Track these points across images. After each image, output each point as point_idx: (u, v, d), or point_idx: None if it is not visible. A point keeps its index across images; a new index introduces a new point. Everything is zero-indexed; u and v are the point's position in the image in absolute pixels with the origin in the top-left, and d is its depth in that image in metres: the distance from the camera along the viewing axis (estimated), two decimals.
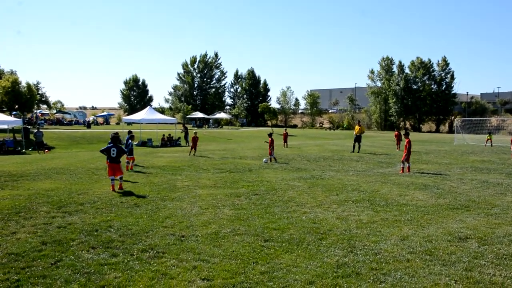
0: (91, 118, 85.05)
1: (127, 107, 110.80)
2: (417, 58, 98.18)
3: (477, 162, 23.15)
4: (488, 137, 39.21)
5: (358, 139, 29.55)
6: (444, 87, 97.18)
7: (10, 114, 49.71)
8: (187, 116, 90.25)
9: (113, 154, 13.73)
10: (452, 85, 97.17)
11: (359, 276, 6.46)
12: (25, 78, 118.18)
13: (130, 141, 19.61)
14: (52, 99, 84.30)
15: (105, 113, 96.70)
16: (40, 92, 69.50)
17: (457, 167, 20.65)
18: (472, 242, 8.19)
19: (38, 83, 71.85)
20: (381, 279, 6.34)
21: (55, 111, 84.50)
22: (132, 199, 12.10)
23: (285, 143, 36.08)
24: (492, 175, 17.61)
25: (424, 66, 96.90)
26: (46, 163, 21.49)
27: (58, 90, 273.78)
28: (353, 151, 29.00)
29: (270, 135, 23.26)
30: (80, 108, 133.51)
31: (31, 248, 7.58)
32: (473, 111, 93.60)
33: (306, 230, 8.93)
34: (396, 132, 34.42)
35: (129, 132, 20.64)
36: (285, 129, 41.23)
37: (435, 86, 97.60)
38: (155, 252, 7.47)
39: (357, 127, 30.40)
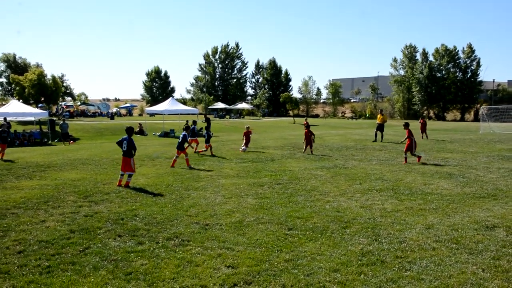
0: (114, 110, 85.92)
1: (150, 98, 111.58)
2: (442, 45, 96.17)
3: (504, 150, 22.68)
4: None
5: (380, 128, 29.29)
6: (469, 74, 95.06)
7: (37, 106, 50.64)
8: (209, 107, 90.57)
9: (124, 147, 13.00)
10: (478, 73, 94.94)
11: (384, 264, 6.43)
12: (50, 70, 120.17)
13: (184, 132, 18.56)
14: (76, 91, 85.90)
15: (128, 105, 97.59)
16: (65, 84, 70.71)
17: (483, 155, 20.27)
18: (500, 231, 8.07)
19: (63, 75, 73.28)
20: (407, 267, 6.31)
21: (79, 103, 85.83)
22: (156, 188, 12.25)
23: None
24: None
25: (449, 54, 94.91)
26: (71, 154, 21.89)
27: (82, 82, 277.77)
28: (375, 140, 28.73)
29: (307, 126, 22.36)
30: (104, 100, 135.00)
31: (60, 236, 7.77)
32: (499, 99, 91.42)
33: (329, 219, 8.92)
34: (421, 120, 33.81)
35: (187, 122, 22.36)
36: (306, 119, 40.96)
37: (460, 73, 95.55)
38: (180, 240, 7.57)
39: (379, 116, 30.10)
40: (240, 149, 22.78)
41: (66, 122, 39.70)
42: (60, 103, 72.51)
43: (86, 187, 12.44)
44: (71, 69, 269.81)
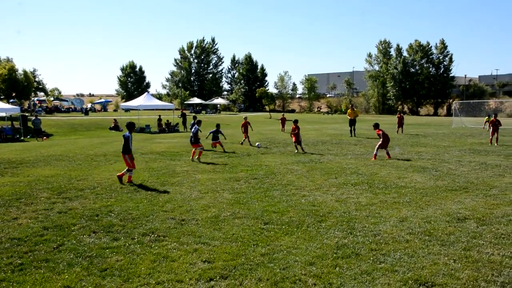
0: (89, 105, 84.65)
1: (125, 93, 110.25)
2: (415, 41, 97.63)
3: (475, 144, 23.21)
4: (487, 120, 39.21)
5: (352, 123, 29.42)
6: (442, 70, 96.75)
7: (8, 102, 49.53)
8: (185, 102, 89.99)
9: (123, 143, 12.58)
10: (450, 68, 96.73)
11: (358, 256, 6.52)
12: (21, 65, 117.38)
13: (196, 126, 18.51)
14: (49, 86, 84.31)
15: (102, 100, 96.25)
16: (37, 79, 69.30)
17: (455, 149, 20.71)
18: (471, 222, 8.27)
19: (35, 70, 71.79)
20: (381, 259, 6.41)
21: (52, 99, 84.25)
22: (131, 184, 12.13)
23: (283, 128, 35.92)
24: (490, 157, 17.67)
25: (422, 49, 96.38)
26: (45, 150, 21.49)
27: (55, 77, 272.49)
28: (351, 136, 28.87)
29: (295, 122, 20.43)
30: (78, 95, 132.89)
31: (33, 233, 7.63)
32: (471, 94, 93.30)
33: (305, 213, 8.99)
34: (399, 115, 34.31)
35: (194, 117, 21.37)
36: (283, 114, 40.84)
37: (433, 69, 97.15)
38: (156, 235, 7.53)
39: (349, 111, 30.23)
40: (241, 143, 22.95)
41: (39, 117, 38.89)
42: (33, 98, 71.08)
43: (60, 183, 12.24)
44: (43, 64, 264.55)
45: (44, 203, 9.88)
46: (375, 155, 17.39)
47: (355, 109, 31.14)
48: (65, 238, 7.39)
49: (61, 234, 7.57)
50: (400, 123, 32.77)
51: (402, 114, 34.67)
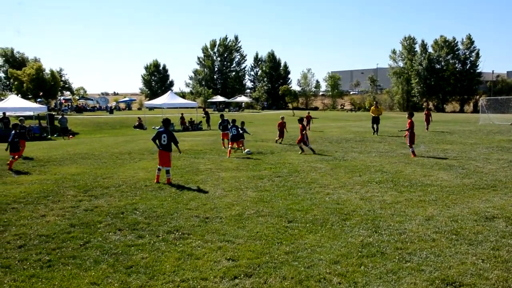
0: (113, 104, 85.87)
1: (149, 92, 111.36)
2: (441, 36, 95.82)
3: (503, 141, 22.67)
4: None
5: (376, 120, 28.53)
6: (468, 66, 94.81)
7: (35, 101, 50.58)
8: (208, 100, 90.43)
9: (164, 141, 12.20)
10: (477, 64, 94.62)
11: (384, 255, 6.45)
12: (48, 65, 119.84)
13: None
14: (75, 85, 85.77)
15: (127, 99, 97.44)
16: (63, 79, 70.56)
17: (482, 147, 20.28)
18: (499, 221, 8.09)
19: (61, 70, 73.14)
20: (407, 258, 6.33)
21: (78, 98, 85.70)
22: (156, 182, 12.24)
23: (308, 126, 35.01)
24: None
25: (448, 45, 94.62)
26: (71, 149, 21.88)
27: (81, 76, 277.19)
28: (374, 133, 28.05)
29: (300, 120, 19.59)
30: (102, 94, 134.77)
31: (61, 230, 7.78)
32: (499, 90, 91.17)
33: (329, 211, 8.94)
34: (426, 111, 33.54)
35: (222, 116, 21.37)
36: (308, 112, 39.68)
37: (459, 65, 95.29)
38: (180, 233, 7.59)
39: (373, 108, 29.43)
40: (277, 142, 22.74)
41: (65, 116, 39.63)
42: (59, 98, 72.43)
43: (86, 181, 12.44)
44: (69, 63, 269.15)
45: (71, 200, 10.06)
46: (413, 152, 17.18)
47: (379, 106, 30.23)
48: (91, 235, 7.51)
49: (87, 232, 7.70)
50: (428, 120, 32.05)
51: (429, 111, 33.80)
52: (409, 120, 17.65)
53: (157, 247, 6.91)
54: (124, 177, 13.12)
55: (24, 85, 51.10)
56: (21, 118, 23.23)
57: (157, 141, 12.35)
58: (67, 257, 6.48)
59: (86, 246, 6.99)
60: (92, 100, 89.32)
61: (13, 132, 15.61)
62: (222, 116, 21.95)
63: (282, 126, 23.07)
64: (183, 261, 6.32)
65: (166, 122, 12.66)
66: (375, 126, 28.55)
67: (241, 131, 19.34)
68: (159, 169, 12.35)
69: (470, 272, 5.83)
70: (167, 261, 6.32)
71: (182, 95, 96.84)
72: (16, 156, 15.53)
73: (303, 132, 18.65)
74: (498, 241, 7.01)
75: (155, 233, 7.61)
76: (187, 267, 6.11)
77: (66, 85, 76.03)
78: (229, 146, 18.37)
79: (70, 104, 72.83)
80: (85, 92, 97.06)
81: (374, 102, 33.03)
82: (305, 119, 34.76)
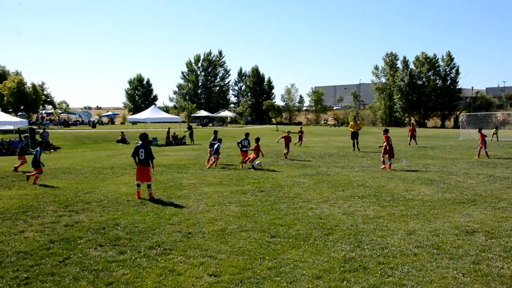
0: (96, 118, 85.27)
1: (132, 106, 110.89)
2: (422, 53, 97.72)
3: (483, 156, 23.04)
4: (494, 132, 39.00)
5: (355, 136, 28.15)
6: (449, 82, 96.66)
7: (16, 115, 49.92)
8: (192, 115, 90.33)
9: (142, 156, 12.07)
10: (457, 80, 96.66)
11: (366, 270, 6.46)
12: (30, 79, 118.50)
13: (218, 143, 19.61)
14: (57, 99, 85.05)
15: (110, 113, 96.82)
16: (45, 92, 69.91)
17: (463, 162, 20.58)
18: (480, 235, 8.18)
19: (43, 83, 72.58)
20: (389, 273, 6.35)
21: (60, 112, 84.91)
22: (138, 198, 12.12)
23: (300, 142, 33.78)
24: (499, 169, 17.53)
25: (429, 62, 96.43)
26: (52, 163, 21.60)
27: (63, 90, 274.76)
28: (354, 150, 27.65)
29: (257, 140, 20.05)
30: (85, 108, 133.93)
31: (39, 246, 7.63)
32: (478, 106, 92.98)
33: (312, 226, 8.94)
34: (411, 127, 33.97)
35: (216, 132, 21.41)
36: (301, 127, 37.52)
37: (440, 81, 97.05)
38: (162, 249, 7.50)
39: (352, 123, 29.03)
40: (285, 155, 22.87)
41: (46, 130, 39.14)
42: (41, 112, 71.69)
43: (67, 196, 12.26)
44: (52, 77, 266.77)
45: (51, 216, 9.90)
46: (383, 162, 18.04)
47: (358, 121, 29.92)
48: (71, 251, 7.38)
49: (67, 248, 7.57)
50: (412, 135, 32.46)
51: (413, 126, 34.30)
52: (384, 136, 18.36)
53: (138, 263, 6.82)
54: (106, 192, 12.97)
55: (5, 98, 50.46)
56: (26, 135, 23.34)
57: (137, 157, 12.22)
58: (45, 274, 6.35)
59: (65, 262, 6.86)
60: (74, 114, 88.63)
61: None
62: (247, 134, 20.97)
63: (286, 140, 23.13)
64: (164, 277, 6.25)
65: (143, 137, 12.47)
66: (355, 141, 28.23)
67: (216, 146, 19.37)
68: (138, 185, 12.16)
69: (451, 286, 5.86)
70: (148, 277, 6.24)
71: (166, 109, 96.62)
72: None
73: (389, 144, 18.26)
74: (478, 255, 7.08)
75: (136, 249, 7.51)
76: (169, 283, 6.03)
77: (48, 99, 75.33)
78: (212, 158, 19.06)
79: (52, 118, 72.04)
80: (68, 106, 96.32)
81: (353, 117, 32.98)
82: (298, 134, 34.32)
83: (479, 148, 23.01)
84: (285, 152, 22.98)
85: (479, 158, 21.92)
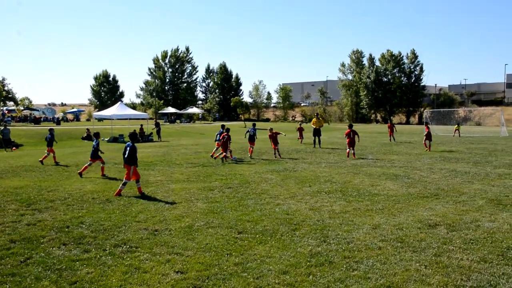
0: (60, 115, 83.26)
1: (98, 103, 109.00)
2: (388, 51, 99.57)
3: (445, 152, 23.68)
4: (456, 128, 40.19)
5: (317, 132, 27.58)
6: (413, 79, 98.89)
7: None
8: (159, 112, 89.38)
9: (126, 155, 12.27)
10: (421, 78, 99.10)
11: (332, 264, 6.55)
12: None
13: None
14: (19, 95, 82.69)
15: (75, 110, 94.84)
16: (6, 88, 67.83)
17: (426, 157, 21.08)
18: (441, 228, 8.40)
19: (3, 79, 70.38)
20: (354, 266, 6.45)
21: (22, 108, 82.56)
22: (104, 194, 11.94)
23: (300, 139, 32.32)
24: (460, 164, 18.05)
25: (394, 59, 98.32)
26: (14, 161, 20.99)
27: (26, 87, 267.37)
28: (315, 146, 27.17)
29: (227, 130, 20.55)
30: (49, 104, 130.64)
31: None
32: (441, 103, 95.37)
33: (279, 222, 8.99)
34: (389, 124, 35.09)
35: (223, 126, 21.90)
36: (300, 124, 36.60)
37: (405, 78, 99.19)
38: (128, 246, 7.41)
39: (314, 120, 28.46)
40: (275, 154, 21.87)
41: (8, 127, 38.01)
42: (1, 108, 69.56)
43: (29, 194, 11.95)
44: (13, 73, 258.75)
45: (12, 215, 9.63)
46: (354, 153, 20.42)
47: (320, 118, 29.33)
48: (33, 251, 7.20)
49: (29, 247, 7.38)
50: (392, 131, 33.51)
51: (391, 123, 35.43)
52: (348, 130, 20.90)
53: (103, 261, 6.71)
54: (70, 189, 12.71)
55: None
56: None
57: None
58: (5, 275, 6.17)
59: (27, 262, 6.69)
60: (37, 110, 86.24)
61: None
62: (254, 124, 24.16)
63: (273, 137, 22.26)
64: (130, 275, 6.17)
65: (132, 136, 12.71)
66: (316, 138, 27.68)
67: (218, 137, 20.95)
68: (124, 183, 12.13)
69: (413, 278, 6.00)
70: (114, 276, 6.15)
71: (133, 106, 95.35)
72: None
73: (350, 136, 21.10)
74: (440, 247, 7.27)
75: (101, 247, 7.39)
76: (134, 281, 5.97)
77: (9, 95, 73.15)
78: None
79: (14, 115, 69.99)
80: (30, 102, 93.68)
81: (316, 114, 32.68)
82: (297, 131, 33.38)
83: (423, 140, 25.45)
84: (274, 147, 22.35)
85: (441, 153, 22.51)
